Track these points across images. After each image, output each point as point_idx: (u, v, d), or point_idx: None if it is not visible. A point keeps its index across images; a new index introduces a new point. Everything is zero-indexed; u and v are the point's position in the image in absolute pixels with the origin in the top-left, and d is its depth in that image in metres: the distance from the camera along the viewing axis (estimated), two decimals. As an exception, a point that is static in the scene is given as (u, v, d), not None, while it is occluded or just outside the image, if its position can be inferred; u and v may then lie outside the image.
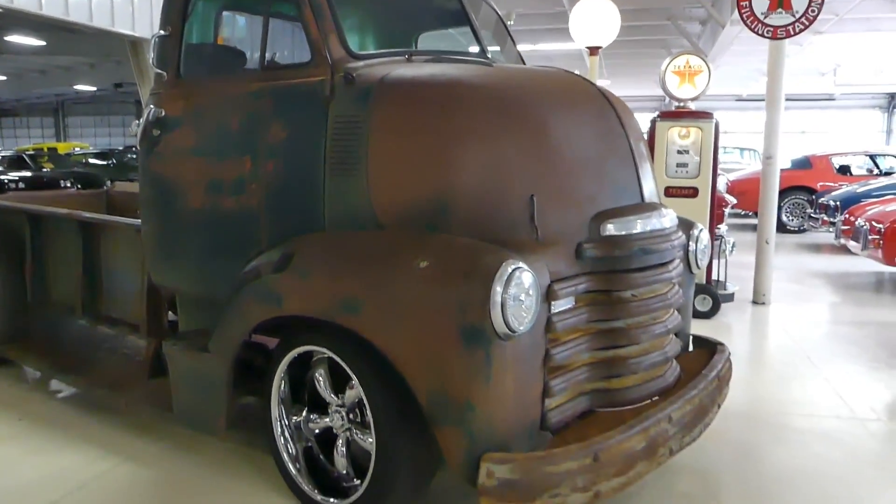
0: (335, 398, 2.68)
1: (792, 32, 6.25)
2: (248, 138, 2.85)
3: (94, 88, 26.61)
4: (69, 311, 4.16)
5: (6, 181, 15.11)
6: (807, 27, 6.21)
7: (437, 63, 2.79)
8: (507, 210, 2.45)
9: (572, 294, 2.47)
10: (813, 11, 6.17)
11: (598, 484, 2.25)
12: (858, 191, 10.63)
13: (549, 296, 2.36)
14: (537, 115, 2.56)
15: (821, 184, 12.34)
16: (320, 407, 2.76)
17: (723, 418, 3.63)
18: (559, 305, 2.42)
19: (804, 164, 13.05)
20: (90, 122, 40.45)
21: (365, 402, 2.45)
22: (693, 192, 6.12)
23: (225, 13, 3.25)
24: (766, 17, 6.27)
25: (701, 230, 3.50)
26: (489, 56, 3.21)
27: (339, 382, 2.64)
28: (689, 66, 6.23)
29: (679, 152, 6.16)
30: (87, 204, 5.73)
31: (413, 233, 2.45)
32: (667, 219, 2.86)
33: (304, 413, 2.80)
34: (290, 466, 2.77)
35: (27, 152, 24.56)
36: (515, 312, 2.16)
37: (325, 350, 2.56)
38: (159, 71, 3.13)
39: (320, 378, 2.70)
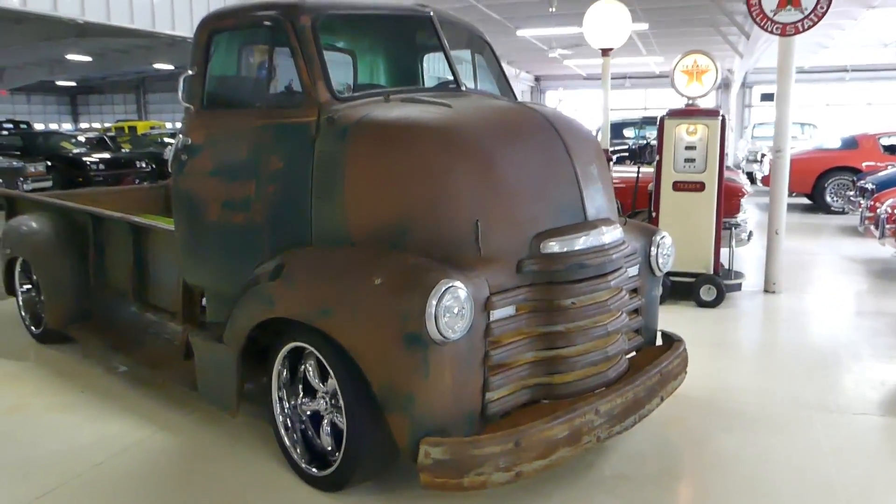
0: (322, 386, 3.23)
1: (801, 29, 6.40)
2: (254, 165, 3.41)
3: (173, 67, 27.91)
4: (123, 297, 4.86)
5: (89, 162, 16.39)
6: (816, 23, 6.34)
7: (407, 104, 3.25)
8: (455, 232, 2.94)
9: (512, 304, 2.94)
10: (822, 7, 6.30)
11: (518, 465, 2.74)
12: (901, 173, 10.54)
13: (487, 306, 2.84)
14: (484, 150, 3.01)
15: (866, 164, 12.21)
16: (311, 393, 3.32)
17: (681, 406, 4.07)
18: (498, 314, 2.90)
19: (851, 143, 12.89)
20: (169, 97, 42.22)
21: (338, 391, 3.00)
22: (700, 187, 6.41)
23: (239, 56, 3.79)
24: (775, 15, 6.43)
25: (663, 236, 3.89)
26: (463, 88, 3.67)
27: (325, 373, 3.20)
28: (697, 66, 6.47)
29: (687, 148, 6.44)
30: (147, 199, 6.48)
31: (376, 251, 2.97)
32: (608, 235, 3.27)
33: (300, 397, 3.37)
34: (286, 440, 3.36)
35: (109, 133, 26.09)
36: (449, 323, 2.66)
37: (309, 346, 3.12)
38: (187, 105, 3.71)
39: (310, 369, 3.26)
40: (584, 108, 26.90)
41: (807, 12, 6.35)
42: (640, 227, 3.97)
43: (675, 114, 6.50)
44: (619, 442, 3.64)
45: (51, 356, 5.16)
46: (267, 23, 3.44)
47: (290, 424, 3.38)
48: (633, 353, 3.71)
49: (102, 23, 10.50)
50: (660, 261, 3.86)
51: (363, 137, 3.08)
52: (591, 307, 3.15)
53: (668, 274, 6.46)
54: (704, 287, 6.37)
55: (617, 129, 15.90)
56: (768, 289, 6.93)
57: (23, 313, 5.55)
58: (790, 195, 14.61)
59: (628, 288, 3.55)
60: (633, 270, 3.65)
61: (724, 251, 6.70)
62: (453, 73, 3.69)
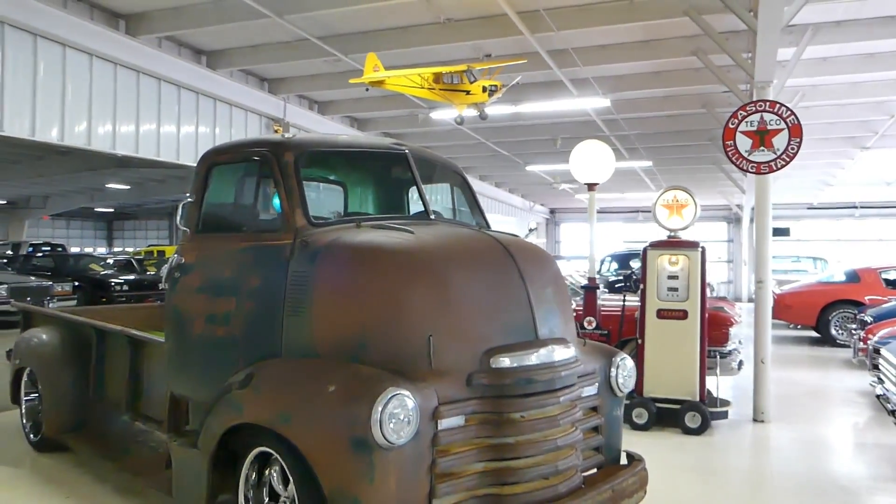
0: (284, 491, 3.39)
1: (774, 168, 6.83)
2: (235, 283, 3.76)
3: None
4: (117, 407, 5.10)
5: (113, 283, 17.09)
6: (788, 163, 6.77)
7: (374, 230, 3.62)
8: (408, 346, 3.19)
9: (461, 414, 3.15)
10: (792, 149, 6.75)
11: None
12: (901, 307, 10.63)
13: (435, 415, 3.05)
14: (437, 271, 3.33)
15: (869, 297, 12.32)
16: (276, 498, 3.46)
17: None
18: (447, 423, 3.10)
19: (853, 277, 13.10)
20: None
21: (296, 495, 3.16)
22: (683, 315, 6.63)
23: (232, 186, 4.25)
24: (749, 154, 6.89)
25: (623, 358, 4.09)
26: (432, 216, 4.05)
27: (287, 478, 3.35)
28: (677, 201, 6.88)
29: (669, 277, 6.72)
30: (156, 317, 6.82)
31: (336, 362, 3.23)
32: (558, 353, 3.50)
33: (265, 502, 3.52)
34: (249, 546, 3.47)
35: (137, 256, 27.17)
36: (394, 428, 2.86)
37: (273, 451, 3.31)
38: (183, 228, 4.13)
39: (274, 474, 3.43)
40: (599, 240, 27.52)
41: (779, 153, 6.80)
42: (600, 348, 4.19)
43: (657, 245, 6.85)
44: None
45: (45, 464, 5.34)
46: (256, 158, 3.91)
47: (254, 530, 3.50)
48: (594, 471, 3.82)
49: (131, 155, 11.45)
50: (620, 381, 4.04)
51: (330, 258, 3.43)
52: (540, 421, 3.33)
53: (654, 400, 6.57)
54: (689, 414, 6.43)
55: (624, 260, 16.33)
56: (757, 418, 6.95)
57: (24, 421, 5.79)
58: (795, 327, 14.78)
59: (585, 406, 3.72)
60: (591, 389, 3.83)
61: (714, 379, 6.82)
62: (423, 204, 4.08)
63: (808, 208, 28.37)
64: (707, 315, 6.85)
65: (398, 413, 2.88)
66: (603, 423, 3.88)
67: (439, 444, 3.05)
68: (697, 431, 6.41)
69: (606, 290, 10.93)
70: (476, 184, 23.67)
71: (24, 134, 9.95)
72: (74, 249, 31.32)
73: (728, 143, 6.99)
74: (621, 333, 7.26)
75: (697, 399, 6.51)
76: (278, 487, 3.40)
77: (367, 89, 11.44)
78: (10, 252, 24.15)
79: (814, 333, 13.69)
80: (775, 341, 13.48)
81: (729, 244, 30.16)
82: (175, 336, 4.13)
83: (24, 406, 5.84)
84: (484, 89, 10.49)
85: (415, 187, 4.24)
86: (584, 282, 8.12)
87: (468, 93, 10.51)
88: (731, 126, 6.98)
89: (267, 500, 3.50)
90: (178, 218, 4.13)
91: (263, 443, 3.37)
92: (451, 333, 3.26)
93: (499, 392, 3.25)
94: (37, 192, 32.82)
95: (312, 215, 3.75)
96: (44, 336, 5.68)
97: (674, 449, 5.96)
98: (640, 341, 6.76)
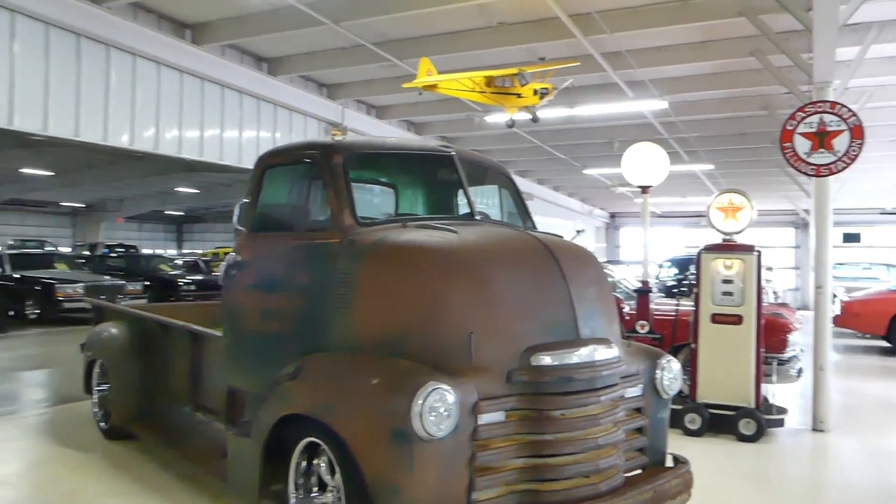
0: (331, 480, 3.52)
1: (834, 171, 6.64)
2: (286, 280, 3.93)
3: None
4: (179, 398, 5.36)
5: (181, 283, 17.81)
6: (849, 165, 6.58)
7: (418, 230, 3.73)
8: (449, 343, 3.28)
9: (500, 410, 3.21)
10: (854, 151, 6.56)
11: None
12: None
13: (475, 410, 3.12)
14: (478, 270, 3.41)
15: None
16: (324, 487, 3.60)
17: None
18: (486, 418, 3.17)
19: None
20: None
21: (341, 484, 3.29)
22: (737, 319, 6.51)
23: (285, 187, 4.42)
24: (808, 157, 6.73)
25: (668, 360, 4.08)
26: (477, 217, 4.14)
27: (334, 468, 3.48)
28: (732, 203, 6.77)
29: (724, 281, 6.62)
30: (215, 314, 7.11)
31: (378, 357, 3.35)
32: (600, 353, 3.53)
33: (314, 490, 3.66)
34: (297, 531, 3.62)
35: (204, 257, 28.17)
36: (434, 421, 2.95)
37: (321, 442, 3.45)
38: (239, 228, 4.32)
39: (322, 464, 3.57)
40: (659, 245, 27.06)
41: (839, 155, 6.62)
42: (645, 349, 4.18)
43: (711, 248, 6.75)
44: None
45: (114, 450, 5.65)
46: (307, 160, 4.07)
47: (302, 517, 3.65)
48: (638, 472, 3.82)
49: (196, 159, 11.94)
50: (665, 383, 4.03)
51: (375, 257, 3.56)
52: (581, 420, 3.36)
53: (707, 406, 6.47)
54: (743, 420, 6.31)
55: (683, 265, 16.01)
56: (816, 427, 6.76)
57: (95, 410, 6.13)
58: (864, 336, 14.22)
59: (628, 407, 3.74)
60: (635, 391, 3.83)
61: (771, 386, 6.68)
62: (469, 204, 4.17)
63: (881, 213, 27.22)
64: (764, 321, 6.72)
65: (438, 406, 2.97)
66: (647, 425, 3.87)
67: (479, 438, 3.12)
68: (752, 439, 6.28)
69: (663, 295, 10.78)
70: (533, 188, 23.63)
71: (98, 139, 10.51)
72: (146, 251, 32.64)
73: (786, 145, 6.83)
74: (674, 338, 7.17)
75: (752, 406, 6.38)
76: (326, 477, 3.54)
77: (420, 93, 11.61)
78: (86, 252, 25.40)
79: (884, 343, 13.17)
80: (843, 351, 13.05)
81: (796, 250, 29.19)
82: (231, 330, 4.33)
83: (95, 396, 6.18)
84: (535, 92, 10.52)
85: (477, 188, 4.33)
86: (637, 285, 8.06)
87: (519, 96, 10.56)
88: (788, 128, 6.83)
89: (316, 488, 3.65)
90: (235, 218, 4.32)
91: (311, 433, 3.51)
92: (492, 331, 3.33)
93: (538, 389, 3.30)
94: (112, 196, 34.46)
95: (362, 216, 3.89)
96: (113, 330, 6.00)
97: (727, 455, 5.87)
98: (693, 346, 6.68)
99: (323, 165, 3.94)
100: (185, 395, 5.27)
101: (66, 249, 30.75)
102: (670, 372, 4.06)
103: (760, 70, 10.85)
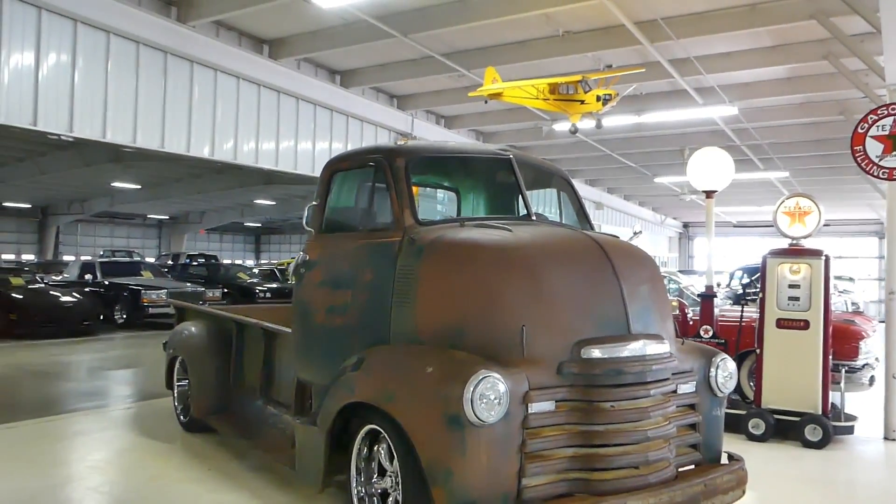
0: (390, 466, 3.72)
1: (908, 173, 6.46)
2: (351, 277, 4.17)
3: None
4: (252, 393, 5.68)
5: (258, 290, 18.56)
6: (923, 168, 6.39)
7: (475, 229, 3.90)
8: (503, 335, 3.43)
9: (550, 400, 3.34)
10: (929, 153, 6.37)
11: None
12: None
13: (526, 398, 3.27)
14: (532, 266, 3.55)
15: None
16: (384, 472, 3.80)
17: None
18: (536, 407, 3.30)
19: None
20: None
21: (399, 469, 3.48)
22: (804, 325, 6.41)
23: (349, 191, 4.68)
24: (880, 160, 6.56)
25: (723, 359, 4.11)
26: (533, 218, 4.28)
27: (393, 455, 3.67)
28: (799, 208, 6.66)
29: (790, 286, 6.52)
30: (287, 316, 7.46)
31: (435, 348, 3.53)
32: (650, 348, 3.61)
33: (374, 476, 3.86)
34: (359, 513, 3.84)
35: (280, 266, 29.15)
36: (485, 407, 3.11)
37: (380, 428, 3.65)
38: (309, 229, 4.60)
39: (381, 451, 3.77)
40: (735, 254, 26.35)
41: (913, 157, 6.43)
42: (700, 348, 4.22)
43: (777, 253, 6.67)
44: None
45: (192, 441, 6.02)
46: (371, 164, 4.31)
47: (364, 500, 3.85)
48: (691, 468, 3.86)
49: (272, 169, 12.50)
50: (719, 381, 4.05)
51: (433, 254, 3.75)
52: (630, 412, 3.46)
53: (772, 411, 6.38)
54: (810, 426, 6.19)
55: (755, 273, 15.60)
56: (888, 436, 6.56)
57: (176, 404, 6.54)
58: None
59: (681, 403, 3.80)
60: (688, 387, 3.89)
61: (840, 393, 6.52)
62: (526, 206, 4.32)
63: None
64: (834, 327, 6.58)
65: (489, 394, 3.12)
66: (701, 422, 3.91)
67: (529, 426, 3.25)
68: (818, 445, 6.15)
69: (731, 302, 10.58)
70: (603, 197, 23.45)
71: (181, 150, 11.16)
72: (226, 261, 33.98)
73: (857, 148, 6.68)
74: (739, 344, 7.08)
75: (819, 412, 6.25)
76: (385, 463, 3.74)
77: (486, 101, 11.82)
78: (170, 262, 26.64)
79: None
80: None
81: (880, 261, 27.88)
82: (300, 326, 4.60)
83: (176, 391, 6.59)
84: (598, 98, 10.55)
85: (540, 191, 4.47)
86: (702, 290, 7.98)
87: (582, 102, 10.61)
88: (860, 131, 6.69)
89: (376, 474, 3.85)
90: (305, 219, 4.60)
91: (372, 420, 3.72)
92: (544, 324, 3.46)
93: (588, 381, 3.41)
94: (194, 209, 36.11)
95: (424, 218, 4.09)
96: (193, 329, 6.40)
97: (791, 460, 5.77)
98: (758, 351, 6.59)
99: (386, 168, 4.17)
100: (258, 390, 5.58)
101: (150, 259, 32.33)
102: (725, 370, 4.09)
103: (835, 74, 10.57)
